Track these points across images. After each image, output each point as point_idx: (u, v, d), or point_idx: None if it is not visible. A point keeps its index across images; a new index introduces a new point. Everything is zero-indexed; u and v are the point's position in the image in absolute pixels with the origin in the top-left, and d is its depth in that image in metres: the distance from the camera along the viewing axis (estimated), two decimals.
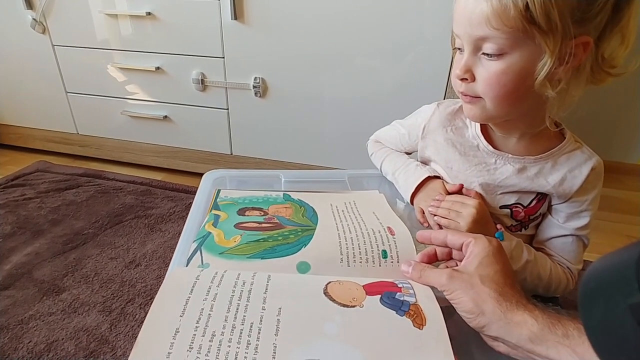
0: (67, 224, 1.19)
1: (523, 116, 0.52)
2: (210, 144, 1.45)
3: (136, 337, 0.88)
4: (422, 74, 1.14)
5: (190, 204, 1.40)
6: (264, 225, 0.48)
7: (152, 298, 0.97)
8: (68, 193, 1.35)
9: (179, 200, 1.33)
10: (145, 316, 0.93)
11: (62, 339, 0.80)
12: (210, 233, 0.48)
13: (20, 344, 0.79)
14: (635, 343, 0.20)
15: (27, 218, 1.20)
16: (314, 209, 0.51)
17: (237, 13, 1.17)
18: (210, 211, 0.54)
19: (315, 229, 0.47)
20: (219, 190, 0.60)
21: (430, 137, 0.61)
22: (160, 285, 1.06)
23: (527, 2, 0.41)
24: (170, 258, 1.08)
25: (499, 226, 0.54)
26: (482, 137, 0.56)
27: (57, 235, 1.13)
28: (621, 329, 0.21)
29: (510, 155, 0.55)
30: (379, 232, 0.45)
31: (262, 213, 0.51)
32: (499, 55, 0.45)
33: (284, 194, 0.55)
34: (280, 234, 0.46)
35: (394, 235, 0.45)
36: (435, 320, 0.37)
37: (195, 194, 1.50)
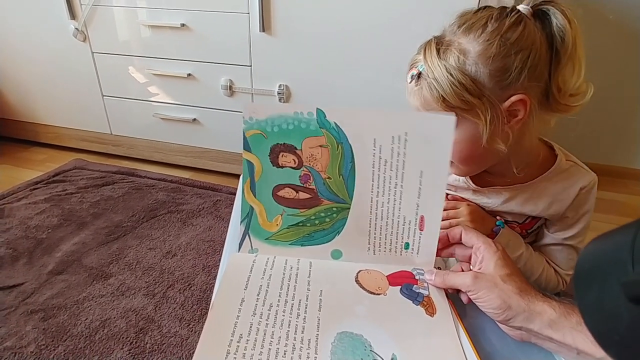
0: (107, 217, 1.30)
1: (500, 163, 0.55)
2: (236, 145, 1.55)
3: (179, 317, 1.00)
4: None
5: (218, 201, 1.51)
6: (301, 197, 0.51)
7: (190, 284, 1.09)
8: (105, 189, 1.47)
9: (207, 197, 1.43)
10: (184, 300, 1.04)
11: (114, 317, 0.91)
12: (253, 210, 0.52)
13: (78, 320, 0.90)
14: (628, 321, 0.20)
15: (71, 211, 1.32)
16: (352, 153, 0.49)
17: (265, 25, 1.27)
18: (243, 155, 0.50)
19: (349, 207, 0.50)
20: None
21: None
22: (196, 274, 1.18)
23: (441, 94, 0.47)
24: (203, 249, 1.19)
25: (498, 217, 0.60)
26: (469, 179, 0.59)
27: (100, 227, 1.25)
28: (615, 309, 0.21)
29: (499, 187, 0.58)
30: (409, 223, 0.50)
31: (296, 159, 0.50)
32: None
33: (317, 111, 0.48)
34: (317, 216, 0.52)
35: (422, 231, 0.50)
36: (444, 310, 0.46)
37: (221, 192, 1.60)
